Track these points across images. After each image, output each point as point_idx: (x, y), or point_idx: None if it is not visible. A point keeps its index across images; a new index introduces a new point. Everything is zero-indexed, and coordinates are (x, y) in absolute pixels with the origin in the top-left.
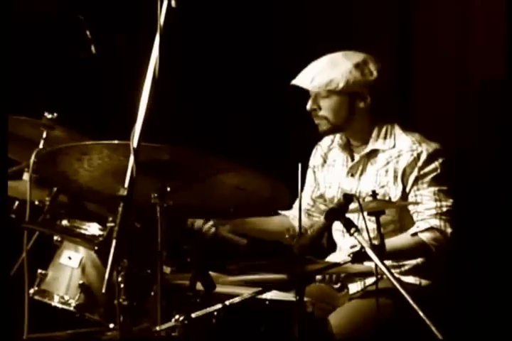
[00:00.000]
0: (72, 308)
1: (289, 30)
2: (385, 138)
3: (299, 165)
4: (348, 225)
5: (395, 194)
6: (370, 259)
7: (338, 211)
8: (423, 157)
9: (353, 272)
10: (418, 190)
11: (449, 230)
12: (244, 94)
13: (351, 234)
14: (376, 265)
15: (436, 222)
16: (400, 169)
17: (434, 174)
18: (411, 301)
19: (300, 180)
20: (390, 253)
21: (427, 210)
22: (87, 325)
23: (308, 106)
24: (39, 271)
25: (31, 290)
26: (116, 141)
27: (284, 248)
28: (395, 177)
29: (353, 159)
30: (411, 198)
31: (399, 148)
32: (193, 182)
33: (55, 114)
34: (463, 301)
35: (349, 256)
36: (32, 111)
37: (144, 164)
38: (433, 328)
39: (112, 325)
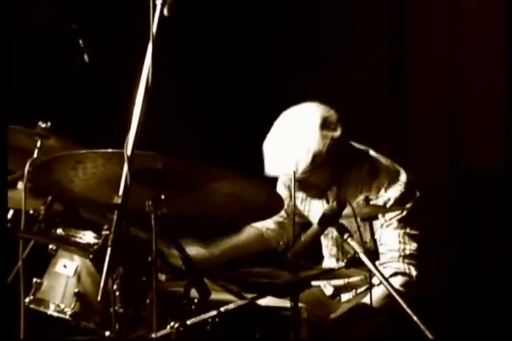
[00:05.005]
0: (67, 316)
1: (286, 31)
2: (356, 183)
3: (293, 172)
4: (342, 230)
5: (366, 238)
6: (363, 264)
7: (331, 216)
8: (390, 203)
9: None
10: (383, 232)
11: (413, 273)
12: (237, 100)
13: (345, 240)
14: (370, 270)
15: (398, 266)
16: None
17: (399, 217)
18: (405, 306)
19: (293, 187)
20: (383, 306)
21: (390, 252)
22: (83, 333)
23: (295, 189)
24: (34, 279)
25: (27, 299)
26: (110, 150)
27: (276, 255)
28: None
29: (328, 201)
30: (378, 241)
31: (365, 195)
32: (187, 190)
33: (49, 123)
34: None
35: (343, 261)
36: (26, 120)
37: (138, 172)
38: (424, 329)
39: (107, 333)
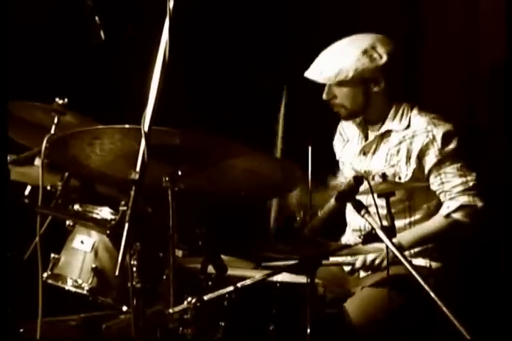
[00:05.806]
0: (85, 292)
1: (294, 16)
2: (400, 118)
3: (309, 147)
4: (359, 207)
5: (405, 174)
6: (380, 241)
7: (348, 193)
8: (439, 138)
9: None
10: (441, 169)
11: (479, 204)
12: (254, 76)
13: (362, 216)
14: (387, 246)
15: (465, 199)
16: (414, 150)
17: (454, 152)
18: (422, 282)
19: (310, 161)
20: (428, 237)
21: (454, 188)
22: (101, 308)
23: (325, 96)
24: (52, 255)
25: (45, 275)
26: (127, 125)
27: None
28: (408, 157)
29: (367, 138)
30: (434, 178)
31: (413, 128)
32: (204, 166)
33: (66, 100)
34: (473, 284)
35: (359, 237)
36: (43, 96)
37: (155, 148)
38: (445, 309)
39: (125, 308)
